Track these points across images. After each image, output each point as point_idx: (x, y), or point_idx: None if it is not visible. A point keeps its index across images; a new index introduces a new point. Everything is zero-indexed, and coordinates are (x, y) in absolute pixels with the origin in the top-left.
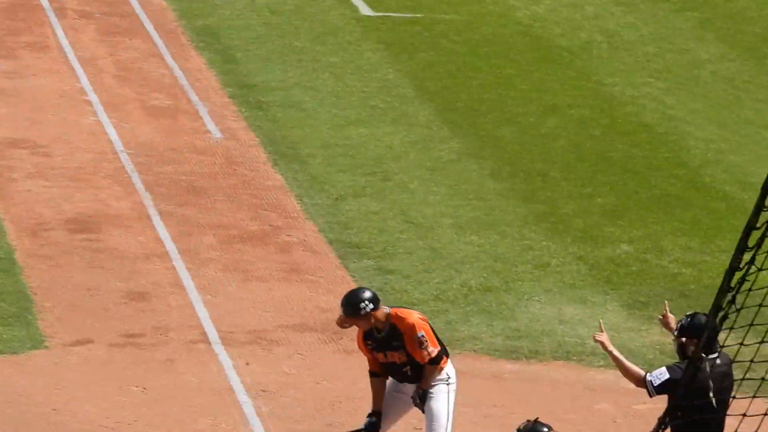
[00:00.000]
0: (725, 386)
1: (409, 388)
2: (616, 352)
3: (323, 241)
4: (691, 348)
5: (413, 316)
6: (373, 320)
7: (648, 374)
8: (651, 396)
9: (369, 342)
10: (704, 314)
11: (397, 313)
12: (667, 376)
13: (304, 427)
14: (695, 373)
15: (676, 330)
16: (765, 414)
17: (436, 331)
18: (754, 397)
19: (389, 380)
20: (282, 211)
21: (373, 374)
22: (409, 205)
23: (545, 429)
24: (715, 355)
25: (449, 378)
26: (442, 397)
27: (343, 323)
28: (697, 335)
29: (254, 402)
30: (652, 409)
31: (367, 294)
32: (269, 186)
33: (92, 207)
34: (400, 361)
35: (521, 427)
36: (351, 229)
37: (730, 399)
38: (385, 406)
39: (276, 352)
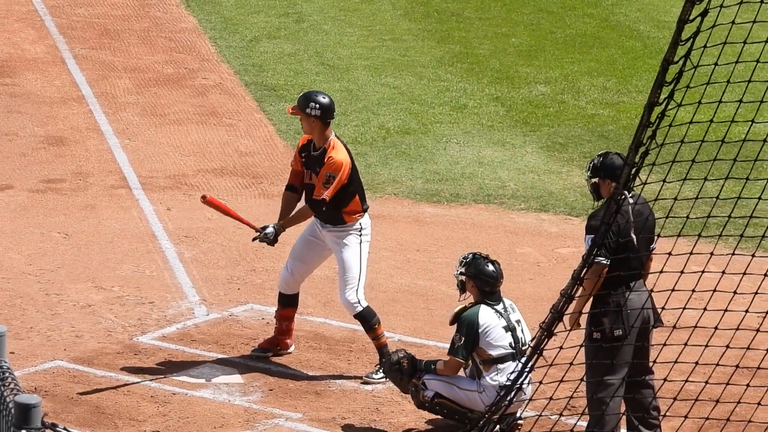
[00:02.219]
0: (643, 225)
1: (325, 235)
2: (574, 309)
3: (239, 83)
4: (606, 188)
5: (343, 159)
6: (316, 130)
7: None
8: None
9: (303, 154)
10: (616, 153)
11: (334, 144)
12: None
13: (228, 272)
14: (616, 212)
15: (588, 170)
16: (690, 253)
17: (363, 188)
18: (678, 236)
19: (308, 224)
20: (197, 53)
21: (289, 187)
22: (324, 46)
23: (489, 267)
24: (631, 194)
25: (362, 229)
26: (354, 248)
27: (291, 109)
28: (609, 175)
29: (177, 248)
30: (575, 253)
31: (324, 100)
32: (183, 28)
33: (6, 51)
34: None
35: (467, 258)
36: (266, 71)
37: (655, 238)
38: (302, 250)
39: (196, 197)
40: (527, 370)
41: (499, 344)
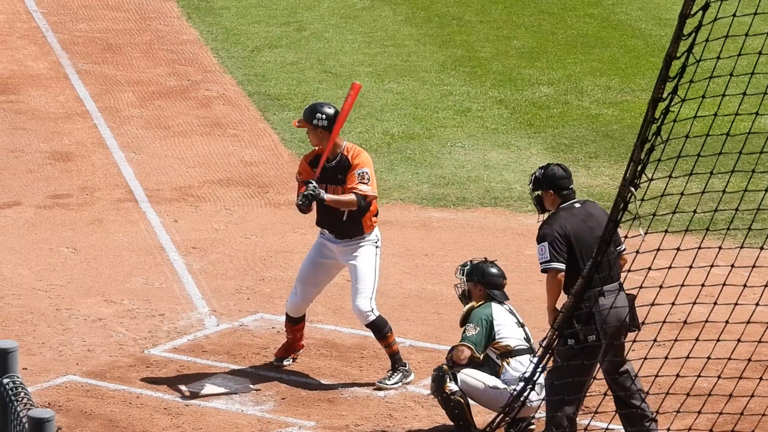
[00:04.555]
0: (590, 226)
1: (335, 250)
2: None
3: (242, 93)
4: (549, 200)
5: (368, 155)
6: (325, 141)
7: (542, 267)
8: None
9: (314, 169)
10: (558, 164)
11: (352, 146)
12: (547, 250)
13: (237, 283)
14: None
15: (530, 183)
16: (698, 248)
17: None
18: (686, 231)
19: (314, 245)
20: (199, 65)
21: None
22: (325, 54)
23: (494, 269)
24: (574, 200)
25: (378, 240)
26: (370, 258)
27: (297, 122)
28: (551, 186)
29: (185, 259)
30: None
31: (329, 111)
32: (185, 40)
33: (9, 68)
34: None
35: (467, 267)
36: (269, 80)
37: (622, 240)
38: (312, 274)
39: (203, 208)
40: (539, 369)
41: (517, 338)
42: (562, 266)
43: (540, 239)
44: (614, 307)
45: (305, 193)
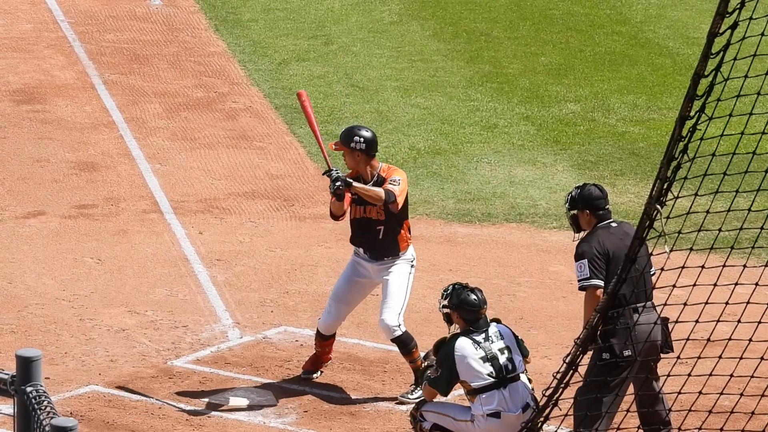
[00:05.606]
0: (627, 245)
1: (369, 269)
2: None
3: (269, 106)
4: (584, 219)
5: (403, 172)
6: (362, 164)
7: (580, 284)
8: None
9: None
10: (594, 184)
11: (389, 166)
12: (587, 267)
13: (261, 295)
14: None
15: (566, 202)
16: (723, 266)
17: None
18: (711, 249)
19: (348, 264)
20: (226, 77)
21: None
22: (353, 68)
23: (471, 294)
24: (611, 219)
25: (413, 260)
26: (404, 277)
27: (333, 145)
28: (587, 206)
29: (209, 271)
30: None
31: (367, 134)
32: (212, 52)
33: (36, 78)
34: (375, 217)
35: (447, 291)
36: (296, 94)
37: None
38: (348, 293)
39: (228, 220)
40: (562, 385)
41: (478, 375)
42: (601, 283)
43: (578, 257)
44: (649, 324)
45: (333, 180)
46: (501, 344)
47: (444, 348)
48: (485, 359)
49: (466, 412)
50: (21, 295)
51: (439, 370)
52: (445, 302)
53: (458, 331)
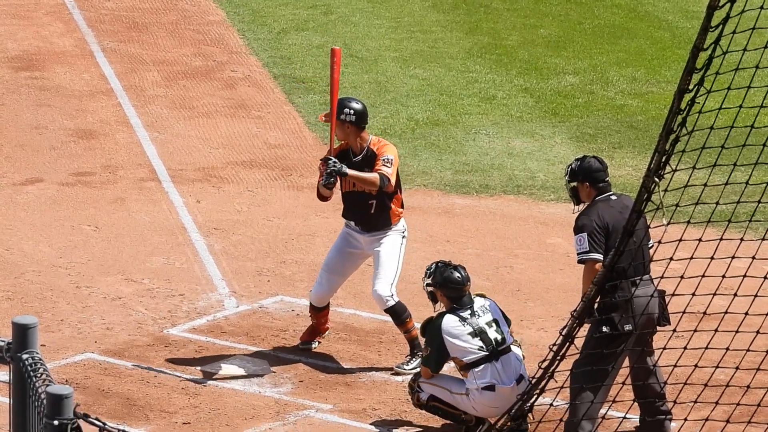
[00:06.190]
0: (627, 218)
1: (361, 241)
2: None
3: (268, 76)
4: (584, 191)
5: (393, 146)
6: (351, 136)
7: (579, 257)
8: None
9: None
10: (594, 156)
11: (378, 140)
12: (586, 240)
13: (258, 265)
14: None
15: (566, 174)
16: (720, 239)
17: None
18: (708, 222)
19: (340, 235)
20: (225, 46)
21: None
22: (352, 38)
23: (454, 271)
24: (610, 192)
25: (404, 231)
26: (395, 246)
27: (323, 117)
28: (587, 179)
29: (207, 240)
30: None
31: (357, 106)
32: (211, 21)
33: (35, 45)
34: (367, 190)
35: (431, 269)
36: (295, 63)
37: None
38: (339, 263)
39: (226, 189)
40: (558, 358)
41: (469, 350)
42: (601, 257)
43: (578, 230)
44: (646, 297)
45: (328, 171)
46: (488, 317)
47: (430, 327)
48: (474, 334)
49: (462, 385)
50: (18, 262)
51: (428, 349)
52: (429, 280)
53: (444, 309)
